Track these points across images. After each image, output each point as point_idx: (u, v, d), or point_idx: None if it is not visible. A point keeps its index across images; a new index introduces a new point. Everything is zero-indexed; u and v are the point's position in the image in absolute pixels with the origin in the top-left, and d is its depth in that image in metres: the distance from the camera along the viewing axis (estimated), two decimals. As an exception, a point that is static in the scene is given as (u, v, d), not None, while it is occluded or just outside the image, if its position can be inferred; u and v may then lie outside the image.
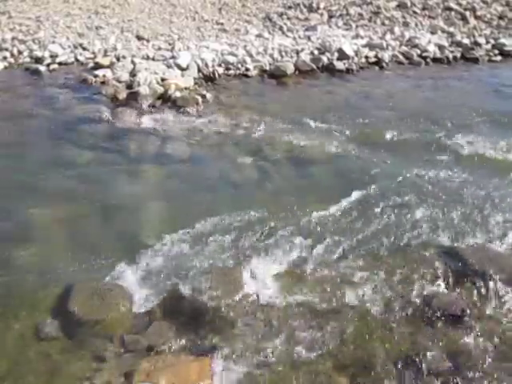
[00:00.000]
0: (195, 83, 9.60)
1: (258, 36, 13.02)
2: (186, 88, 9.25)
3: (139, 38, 12.73)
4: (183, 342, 3.73)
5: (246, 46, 11.83)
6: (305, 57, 11.24)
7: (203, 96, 8.90)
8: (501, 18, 15.60)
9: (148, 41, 12.42)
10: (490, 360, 3.55)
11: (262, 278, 4.25)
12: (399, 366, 3.56)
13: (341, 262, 4.58)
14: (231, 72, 10.53)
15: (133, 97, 8.62)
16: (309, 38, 12.90)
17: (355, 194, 5.60)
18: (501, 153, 6.86)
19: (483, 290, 4.20)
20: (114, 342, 3.71)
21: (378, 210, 5.37)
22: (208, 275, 4.33)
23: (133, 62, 10.15)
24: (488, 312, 4.01)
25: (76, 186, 5.87)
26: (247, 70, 10.61)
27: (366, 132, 7.47)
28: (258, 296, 4.06)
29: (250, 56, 11.15)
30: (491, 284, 4.23)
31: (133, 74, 9.51)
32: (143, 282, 4.33)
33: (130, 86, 8.98)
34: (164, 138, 7.21)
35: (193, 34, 13.30)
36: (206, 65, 10.45)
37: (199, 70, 10.23)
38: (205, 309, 3.95)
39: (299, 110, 8.27)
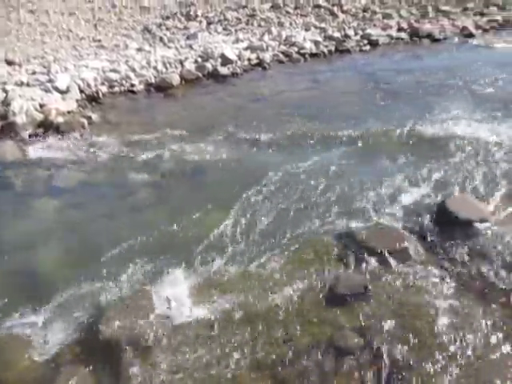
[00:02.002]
0: (78, 105, 9.17)
1: (139, 50, 12.79)
2: (68, 112, 8.81)
3: (9, 62, 11.83)
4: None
5: (127, 61, 11.55)
6: (189, 66, 11.28)
7: (89, 118, 8.54)
8: (365, 10, 16.99)
9: (20, 65, 11.59)
10: (393, 331, 3.84)
11: (172, 297, 4.19)
12: (318, 351, 3.71)
13: (249, 263, 4.67)
14: (116, 89, 10.22)
15: (9, 128, 8.00)
16: (191, 47, 12.95)
17: (252, 196, 5.73)
18: (381, 136, 7.45)
19: (379, 266, 4.55)
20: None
21: (274, 206, 5.55)
22: (117, 305, 4.16)
23: (4, 89, 9.40)
24: (386, 285, 4.33)
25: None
26: (132, 85, 10.37)
27: (258, 133, 7.67)
28: (170, 317, 3.99)
29: (133, 71, 10.92)
30: (385, 260, 4.59)
31: (6, 103, 8.81)
32: (48, 325, 4.04)
33: (4, 117, 8.30)
34: (50, 168, 6.79)
35: (69, 53, 12.68)
36: (88, 85, 10.03)
37: (81, 91, 9.79)
38: (118, 341, 3.79)
39: (190, 121, 8.28)
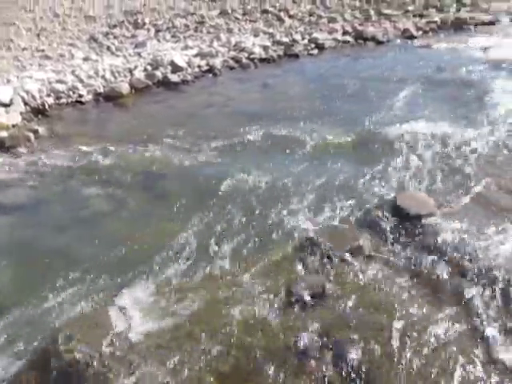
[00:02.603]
0: (23, 119, 8.83)
1: (86, 59, 12.47)
2: (13, 126, 8.46)
3: None
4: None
5: (74, 71, 11.23)
6: (139, 74, 11.12)
7: (35, 131, 8.23)
8: (311, 15, 17.33)
9: (-43, 79, 11.01)
10: (353, 328, 3.94)
11: (129, 312, 4.11)
12: (279, 355, 3.75)
13: (208, 272, 4.66)
14: (63, 101, 9.91)
15: (-52, 145, 7.60)
16: (139, 55, 12.77)
17: (208, 204, 5.74)
18: (331, 138, 7.64)
19: (337, 265, 4.66)
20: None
21: (231, 213, 5.57)
22: (74, 323, 4.04)
23: None
24: (344, 284, 4.44)
25: None
26: (80, 96, 10.10)
27: (211, 140, 7.67)
28: (129, 332, 3.92)
29: (81, 81, 10.63)
30: (342, 258, 4.72)
31: None
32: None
33: None
34: (-4, 187, 6.50)
35: (11, 64, 12.17)
36: (33, 97, 9.67)
37: (26, 104, 9.42)
38: (76, 364, 3.67)
39: (141, 130, 8.16)
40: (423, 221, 5.24)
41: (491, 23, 16.66)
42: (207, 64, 11.98)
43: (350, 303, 4.19)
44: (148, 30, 15.58)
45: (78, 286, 4.49)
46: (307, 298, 4.24)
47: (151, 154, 7.21)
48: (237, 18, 16.90)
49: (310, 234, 5.11)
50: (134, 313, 4.11)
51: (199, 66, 11.87)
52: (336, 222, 5.38)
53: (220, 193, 5.97)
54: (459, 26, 16.17)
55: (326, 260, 4.72)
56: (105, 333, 3.86)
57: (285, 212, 5.58)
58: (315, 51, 13.70)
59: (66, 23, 16.25)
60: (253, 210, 5.64)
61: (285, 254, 4.87)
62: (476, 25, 16.36)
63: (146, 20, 16.58)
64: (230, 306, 4.20)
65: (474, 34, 15.30)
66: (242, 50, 13.14)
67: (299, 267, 4.65)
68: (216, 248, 5.00)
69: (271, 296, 4.32)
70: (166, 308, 4.20)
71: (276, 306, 4.22)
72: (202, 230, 5.28)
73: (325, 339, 3.84)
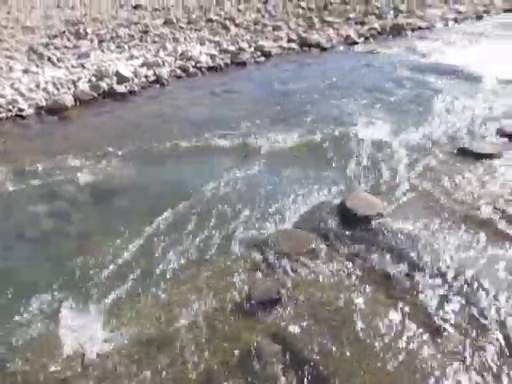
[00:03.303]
0: (-42, 136, 8.36)
1: (26, 71, 11.97)
2: None
3: None
4: None
5: (13, 84, 10.76)
6: (83, 86, 10.81)
7: (-28, 149, 7.82)
8: (256, 23, 17.55)
9: None
10: (310, 331, 4.00)
11: (83, 332, 3.97)
12: (237, 363, 3.74)
13: (161, 285, 4.58)
14: (2, 115, 9.46)
15: None
16: (83, 66, 12.42)
17: (160, 217, 5.65)
18: (282, 142, 7.75)
19: (291, 269, 4.72)
20: None
21: (183, 223, 5.52)
22: (25, 351, 3.85)
23: None
24: (299, 287, 4.50)
25: None
26: (21, 110, 9.68)
27: (160, 150, 7.58)
28: (82, 353, 3.78)
29: (21, 94, 10.20)
30: (295, 262, 4.78)
31: None
32: None
33: None
34: None
35: None
36: (-32, 113, 9.19)
37: (-40, 120, 8.94)
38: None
39: (87, 142, 7.93)
40: (372, 221, 5.41)
41: (427, 28, 17.58)
42: (154, 74, 11.84)
43: (306, 307, 4.25)
44: (91, 40, 15.19)
45: (27, 309, 4.28)
46: (263, 303, 4.25)
47: (99, 167, 7.01)
48: (182, 27, 16.83)
49: (262, 239, 5.15)
50: (87, 332, 3.97)
51: (146, 76, 11.71)
52: (288, 226, 5.45)
53: (170, 203, 5.89)
54: (398, 31, 16.94)
55: (279, 264, 4.76)
56: (59, 355, 3.70)
57: (236, 219, 5.58)
58: (262, 58, 13.89)
59: (2, 34, 15.56)
60: (204, 219, 5.60)
61: (238, 260, 4.88)
62: (413, 30, 17.20)
63: (89, 30, 16.17)
64: (185, 318, 4.15)
65: (412, 39, 16.06)
66: (189, 58, 13.10)
67: (253, 274, 4.67)
68: (167, 259, 4.92)
69: (226, 304, 4.30)
70: (118, 326, 4.09)
71: (231, 313, 4.21)
72: (151, 242, 5.19)
73: (282, 345, 3.87)
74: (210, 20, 17.71)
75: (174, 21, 17.61)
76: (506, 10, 20.57)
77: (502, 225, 5.28)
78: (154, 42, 14.91)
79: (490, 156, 6.89)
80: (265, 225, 5.47)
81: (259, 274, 4.66)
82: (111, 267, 4.81)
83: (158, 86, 11.45)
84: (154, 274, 4.73)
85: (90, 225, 5.66)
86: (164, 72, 12.00)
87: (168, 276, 4.70)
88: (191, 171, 6.88)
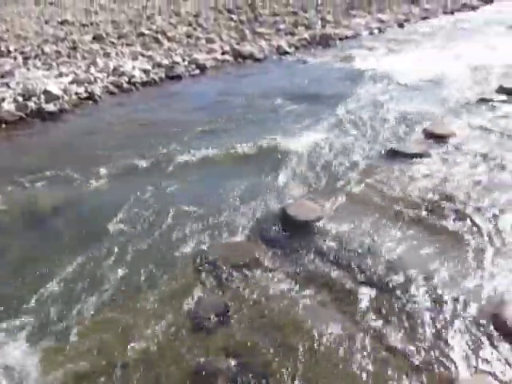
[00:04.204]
0: None
1: None
2: None
3: None
4: None
5: None
6: (8, 106, 10.27)
7: None
8: (189, 36, 17.56)
9: None
10: (259, 342, 4.00)
11: (20, 369, 3.75)
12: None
13: (103, 310, 4.43)
14: None
15: None
16: (8, 85, 11.80)
17: (97, 237, 5.48)
18: (219, 154, 7.77)
19: (236, 281, 4.72)
20: None
21: (124, 242, 5.38)
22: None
23: None
24: (245, 299, 4.50)
25: None
26: None
27: (94, 169, 7.32)
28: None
29: None
30: (241, 273, 4.80)
31: None
32: None
33: None
34: None
35: None
36: None
37: None
38: None
39: (16, 165, 7.53)
40: (313, 225, 5.55)
41: (353, 37, 18.42)
42: (86, 91, 11.48)
43: (253, 319, 4.25)
44: (15, 58, 14.49)
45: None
46: (210, 319, 4.22)
47: (30, 191, 6.68)
48: (112, 43, 16.48)
49: (205, 253, 5.12)
50: (24, 369, 3.74)
51: (77, 94, 11.33)
52: (230, 237, 5.46)
53: (108, 223, 5.72)
54: (326, 40, 17.61)
55: (224, 277, 4.76)
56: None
57: (176, 235, 5.51)
58: (197, 71, 13.90)
59: None
60: (143, 237, 5.49)
61: (181, 277, 4.81)
62: (341, 39, 17.96)
63: (11, 48, 15.43)
64: (132, 342, 4.03)
65: (340, 48, 16.75)
66: (122, 74, 12.84)
67: (198, 289, 4.62)
68: (107, 282, 4.75)
69: (173, 324, 4.22)
70: (60, 358, 3.90)
71: (178, 332, 4.14)
72: (90, 266, 4.99)
73: (231, 361, 3.83)
74: (142, 34, 17.49)
75: (104, 36, 17.23)
76: (423, 18, 22.00)
77: (431, 220, 5.59)
78: (84, 58, 14.48)
79: (418, 155, 7.29)
80: (206, 238, 5.43)
81: (205, 289, 4.62)
82: (51, 292, 4.58)
83: (90, 102, 11.11)
84: (93, 297, 4.55)
85: (24, 251, 5.36)
86: (96, 89, 11.68)
87: (110, 298, 4.54)
88: (125, 188, 6.68)
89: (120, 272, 4.89)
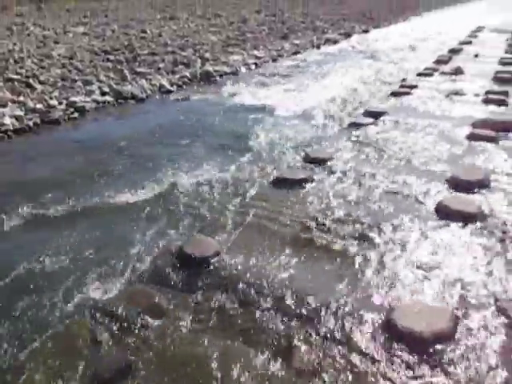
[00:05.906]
0: None
1: None
2: None
3: None
4: None
5: None
6: None
7: None
8: (63, 79, 16.78)
9: None
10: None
11: None
12: None
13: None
14: None
15: None
16: None
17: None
18: (108, 201, 7.45)
19: (138, 332, 4.46)
20: None
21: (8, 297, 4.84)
22: None
23: None
24: (149, 351, 4.25)
25: None
26: None
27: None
28: None
29: None
30: (142, 323, 4.55)
31: None
32: None
33: None
34: None
35: None
36: None
37: None
38: None
39: None
40: (211, 261, 5.50)
41: (233, 73, 19.15)
42: None
43: (159, 369, 4.02)
44: None
45: None
46: (111, 377, 3.91)
47: None
48: (-24, 90, 15.10)
49: (103, 302, 4.80)
50: None
51: None
52: (125, 284, 5.19)
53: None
54: (207, 77, 18.07)
55: (123, 329, 4.46)
56: None
57: (66, 284, 5.13)
58: (76, 114, 13.31)
59: None
60: (30, 291, 5.02)
61: (80, 333, 4.42)
62: (221, 76, 18.55)
63: None
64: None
65: (220, 84, 17.29)
66: (-11, 122, 11.79)
67: (95, 346, 4.27)
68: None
69: (71, 389, 3.84)
70: None
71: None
72: None
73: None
74: (10, 80, 16.30)
75: (-35, 83, 15.72)
76: (293, 53, 23.72)
77: (324, 240, 5.88)
78: None
79: (303, 181, 7.68)
80: (101, 287, 5.11)
81: (103, 345, 4.29)
82: None
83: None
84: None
85: None
86: (-42, 141, 10.56)
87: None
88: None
89: (11, 329, 4.35)
